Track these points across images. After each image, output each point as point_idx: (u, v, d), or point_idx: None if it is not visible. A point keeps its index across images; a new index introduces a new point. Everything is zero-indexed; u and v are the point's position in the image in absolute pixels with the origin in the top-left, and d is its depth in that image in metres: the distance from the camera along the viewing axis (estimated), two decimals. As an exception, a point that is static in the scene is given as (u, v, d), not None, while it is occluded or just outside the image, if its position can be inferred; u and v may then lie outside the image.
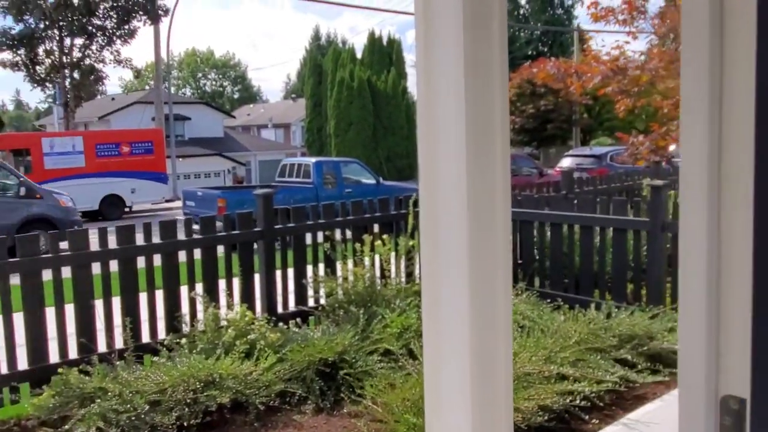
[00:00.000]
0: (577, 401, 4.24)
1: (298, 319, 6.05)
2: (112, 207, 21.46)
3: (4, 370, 4.77)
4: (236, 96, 77.19)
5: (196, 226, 6.07)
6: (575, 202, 6.70)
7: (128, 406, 4.13)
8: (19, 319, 4.84)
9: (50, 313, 4.95)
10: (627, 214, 6.34)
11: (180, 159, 31.72)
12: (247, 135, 48.34)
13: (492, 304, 1.28)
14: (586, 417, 4.28)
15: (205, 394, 4.31)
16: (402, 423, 3.90)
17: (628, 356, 4.95)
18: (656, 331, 5.30)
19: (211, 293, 5.66)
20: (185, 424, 4.23)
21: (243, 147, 41.47)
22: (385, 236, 6.44)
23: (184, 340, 5.11)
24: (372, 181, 15.63)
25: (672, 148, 9.57)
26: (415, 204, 6.94)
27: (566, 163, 20.25)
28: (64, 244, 5.18)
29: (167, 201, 24.39)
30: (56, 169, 20.67)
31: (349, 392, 4.65)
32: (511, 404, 1.52)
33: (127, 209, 22.17)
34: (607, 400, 4.52)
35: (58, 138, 21.94)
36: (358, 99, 34.19)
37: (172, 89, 65.52)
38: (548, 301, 6.21)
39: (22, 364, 4.85)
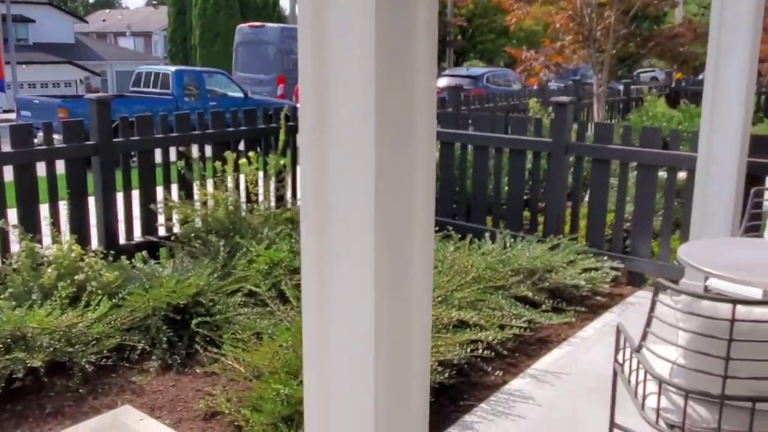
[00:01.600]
0: (480, 351, 3.59)
1: (145, 252, 5.02)
2: (-64, 117, 18.69)
3: None
4: (90, 0, 70.78)
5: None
6: (468, 120, 5.96)
7: None
8: None
9: None
10: (526, 134, 5.69)
11: (23, 66, 28.75)
12: (102, 43, 44.66)
13: (408, 244, 1.17)
14: (489, 368, 3.66)
15: (7, 357, 3.28)
16: (270, 388, 3.08)
17: (528, 293, 4.38)
18: (557, 265, 4.77)
19: (30, 223, 4.52)
20: (-18, 395, 3.22)
21: (97, 56, 38.46)
22: (251, 154, 5.46)
23: (-11, 283, 4.00)
24: (239, 95, 14.30)
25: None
26: (287, 118, 5.99)
27: (443, 82, 19.68)
28: None
29: (5, 111, 21.68)
30: None
31: (206, 344, 3.78)
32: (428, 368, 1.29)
33: (-45, 120, 19.42)
34: (510, 345, 3.92)
35: None
36: (226, 9, 31.88)
37: (15, -12, 59.09)
38: (437, 229, 5.53)
39: None
